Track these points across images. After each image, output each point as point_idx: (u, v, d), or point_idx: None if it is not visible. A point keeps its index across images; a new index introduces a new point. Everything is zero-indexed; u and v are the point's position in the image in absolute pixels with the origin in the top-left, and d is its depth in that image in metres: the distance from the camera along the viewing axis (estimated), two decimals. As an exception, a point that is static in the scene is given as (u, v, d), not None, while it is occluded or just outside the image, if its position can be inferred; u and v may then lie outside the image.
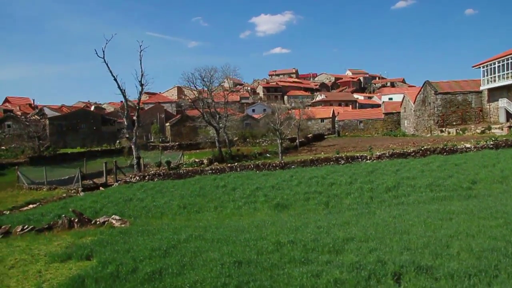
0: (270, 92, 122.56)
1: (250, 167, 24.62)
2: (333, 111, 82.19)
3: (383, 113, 69.99)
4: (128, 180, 25.23)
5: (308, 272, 7.36)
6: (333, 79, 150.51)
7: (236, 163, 26.73)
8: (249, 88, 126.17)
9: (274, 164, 24.90)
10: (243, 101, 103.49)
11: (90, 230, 14.20)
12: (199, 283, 7.15)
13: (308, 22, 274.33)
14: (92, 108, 76.01)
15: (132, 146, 32.36)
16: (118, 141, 64.16)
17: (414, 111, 58.58)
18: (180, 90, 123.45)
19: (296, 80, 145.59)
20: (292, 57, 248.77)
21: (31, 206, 20.66)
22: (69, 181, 29.63)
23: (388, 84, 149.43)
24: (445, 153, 24.85)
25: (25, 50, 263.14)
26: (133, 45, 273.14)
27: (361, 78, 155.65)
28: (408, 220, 11.37)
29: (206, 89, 43.86)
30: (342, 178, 18.93)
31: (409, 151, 25.42)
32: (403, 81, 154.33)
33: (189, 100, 54.89)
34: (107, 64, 32.82)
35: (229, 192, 18.24)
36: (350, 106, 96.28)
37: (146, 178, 24.75)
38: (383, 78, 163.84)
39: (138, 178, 25.02)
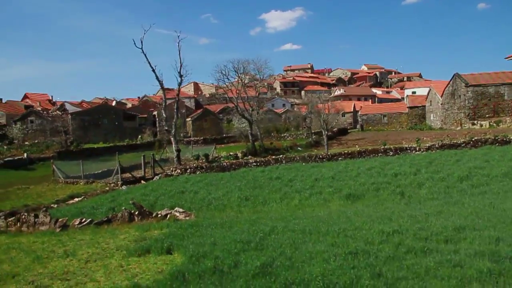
0: (287, 87, 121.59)
1: (296, 159, 23.92)
2: (354, 105, 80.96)
3: (407, 107, 68.66)
4: (169, 173, 24.63)
5: (444, 262, 6.68)
6: (349, 74, 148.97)
7: (281, 155, 26.01)
8: (265, 84, 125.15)
9: (320, 156, 24.17)
10: (261, 96, 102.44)
11: (152, 223, 13.61)
12: (327, 276, 6.46)
13: (318, 18, 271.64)
14: (114, 103, 75.84)
15: (172, 139, 31.67)
16: (140, 136, 63.84)
17: (441, 104, 57.24)
18: (196, 86, 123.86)
19: (312, 75, 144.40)
20: (303, 53, 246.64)
21: (76, 199, 20.14)
22: (104, 174, 29.17)
23: (405, 79, 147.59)
24: (497, 144, 23.85)
25: (36, 48, 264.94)
26: (144, 42, 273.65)
27: (377, 73, 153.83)
28: (509, 209, 10.61)
29: (239, 81, 43.28)
30: (402, 168, 18.12)
31: (459, 142, 24.46)
32: (420, 76, 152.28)
33: (224, 93, 54.00)
34: (145, 55, 32.27)
35: (287, 184, 17.59)
36: (370, 100, 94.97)
37: (188, 171, 24.13)
38: (398, 73, 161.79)
39: (179, 171, 24.39)
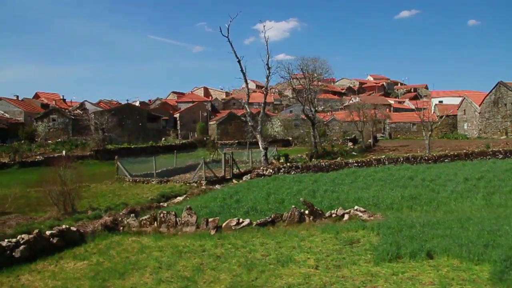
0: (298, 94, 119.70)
1: (399, 160, 22.06)
2: (376, 113, 79.51)
3: (437, 116, 67.26)
4: (260, 172, 22.46)
5: None
6: (357, 84, 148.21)
7: (382, 156, 24.02)
8: (276, 90, 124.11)
9: (426, 158, 22.49)
10: (275, 102, 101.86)
11: (328, 224, 11.68)
12: None
13: (312, 30, 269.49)
14: (137, 103, 73.11)
15: (258, 136, 29.53)
16: (164, 139, 61.48)
17: (479, 113, 55.94)
18: (206, 91, 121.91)
19: (321, 83, 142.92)
20: (297, 64, 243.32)
21: (179, 198, 17.82)
22: (166, 173, 26.91)
23: (412, 90, 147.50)
24: None
25: (29, 51, 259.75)
26: (136, 48, 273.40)
27: (385, 83, 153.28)
28: None
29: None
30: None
31: None
32: (426, 87, 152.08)
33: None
34: (231, 44, 30.34)
35: (433, 182, 15.89)
36: (387, 109, 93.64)
37: (281, 171, 22.05)
38: (403, 84, 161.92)
39: (271, 170, 22.25)
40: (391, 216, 11.64)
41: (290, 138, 60.61)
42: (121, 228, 12.51)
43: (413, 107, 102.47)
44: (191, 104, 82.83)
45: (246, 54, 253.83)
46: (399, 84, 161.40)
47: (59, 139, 52.50)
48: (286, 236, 10.64)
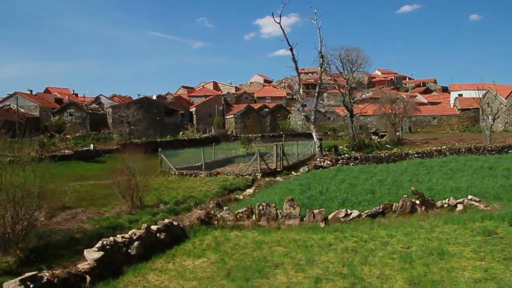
0: (308, 89, 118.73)
1: (461, 151, 21.25)
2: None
3: (458, 109, 66.31)
4: (318, 164, 21.56)
5: None
6: (366, 78, 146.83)
7: (443, 147, 23.10)
8: (285, 85, 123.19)
9: (489, 148, 21.62)
10: (288, 96, 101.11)
11: (444, 214, 10.87)
12: None
13: (313, 25, 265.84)
14: (154, 97, 71.88)
15: (312, 127, 28.60)
16: (181, 133, 60.49)
17: (506, 106, 54.96)
18: (215, 85, 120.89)
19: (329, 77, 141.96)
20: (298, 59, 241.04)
21: (249, 191, 16.89)
22: (207, 167, 25.90)
23: (421, 84, 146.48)
24: None
25: (32, 48, 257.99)
26: (137, 44, 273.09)
27: (393, 78, 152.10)
28: None
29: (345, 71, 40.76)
30: None
31: None
32: (435, 82, 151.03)
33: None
34: (283, 30, 29.41)
35: None
36: (401, 104, 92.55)
37: (340, 162, 21.15)
38: (411, 78, 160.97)
39: (329, 162, 21.34)
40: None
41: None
42: (216, 222, 11.60)
43: (425, 101, 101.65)
44: (203, 99, 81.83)
45: (246, 49, 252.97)
46: (407, 78, 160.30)
47: (78, 133, 51.55)
48: (409, 228, 9.89)
